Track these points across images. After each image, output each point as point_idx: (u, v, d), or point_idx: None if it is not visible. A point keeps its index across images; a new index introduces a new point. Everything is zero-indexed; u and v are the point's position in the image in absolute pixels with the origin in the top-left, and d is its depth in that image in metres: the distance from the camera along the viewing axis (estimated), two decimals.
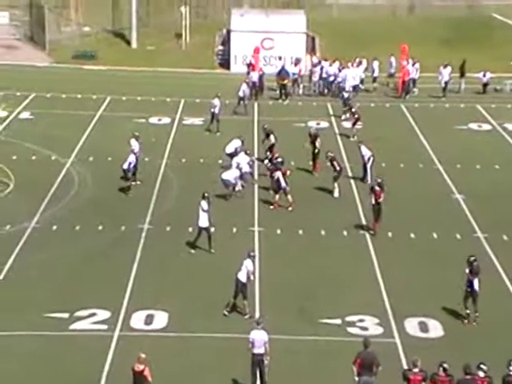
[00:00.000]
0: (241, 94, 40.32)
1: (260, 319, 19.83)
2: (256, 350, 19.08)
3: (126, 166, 30.70)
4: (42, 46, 52.83)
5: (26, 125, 38.93)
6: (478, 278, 22.34)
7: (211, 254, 26.30)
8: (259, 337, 19.10)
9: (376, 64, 45.60)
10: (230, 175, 30.45)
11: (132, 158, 30.88)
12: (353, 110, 38.25)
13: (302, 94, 44.62)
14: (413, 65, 44.84)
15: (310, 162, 33.52)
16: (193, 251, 26.39)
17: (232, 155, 32.22)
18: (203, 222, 26.18)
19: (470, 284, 22.37)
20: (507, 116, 41.18)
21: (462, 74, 45.61)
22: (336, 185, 30.90)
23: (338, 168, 30.90)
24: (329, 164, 31.29)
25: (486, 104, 43.34)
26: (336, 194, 30.84)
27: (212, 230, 26.56)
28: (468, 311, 22.41)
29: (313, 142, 33.30)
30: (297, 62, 45.47)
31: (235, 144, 32.73)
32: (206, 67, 50.30)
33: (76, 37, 54.23)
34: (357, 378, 18.43)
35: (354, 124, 37.97)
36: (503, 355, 20.45)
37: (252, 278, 22.88)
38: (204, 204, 26.22)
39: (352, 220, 28.91)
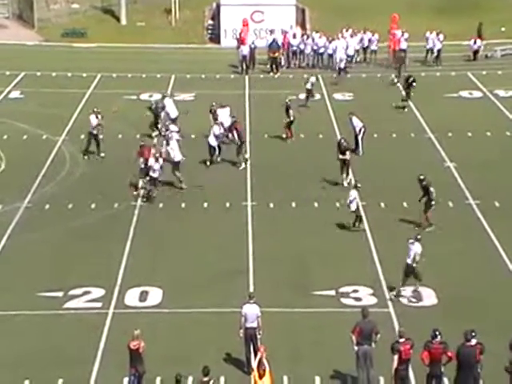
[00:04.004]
0: (309, 86, 38.32)
1: (252, 293, 19.87)
2: (249, 324, 19.12)
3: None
4: (30, 24, 52.56)
5: (17, 104, 38.82)
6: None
7: (204, 230, 26.32)
8: (251, 311, 19.14)
9: (367, 35, 45.44)
10: (211, 140, 31.00)
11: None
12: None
13: (297, 66, 44.59)
14: (402, 35, 44.73)
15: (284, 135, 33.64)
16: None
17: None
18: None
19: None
20: (498, 83, 41.10)
21: (480, 38, 45.58)
22: (344, 175, 29.46)
23: (348, 157, 29.28)
24: (337, 149, 29.58)
25: (476, 71, 43.27)
26: (346, 182, 29.33)
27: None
28: None
29: (286, 112, 33.42)
30: (295, 34, 45.39)
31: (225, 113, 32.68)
32: (196, 42, 50.14)
33: (65, 14, 53.92)
34: (356, 348, 18.47)
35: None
36: (496, 322, 20.64)
37: None
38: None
39: (345, 191, 28.86)
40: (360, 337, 18.38)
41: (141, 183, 28.52)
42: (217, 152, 31.38)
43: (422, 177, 26.50)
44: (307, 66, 44.91)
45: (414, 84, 37.56)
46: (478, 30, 45.98)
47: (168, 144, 29.86)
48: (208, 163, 31.19)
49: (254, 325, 19.15)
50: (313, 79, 38.29)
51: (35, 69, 43.93)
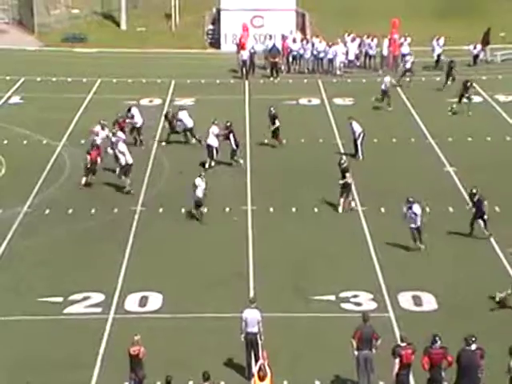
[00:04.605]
0: (383, 87, 38.03)
1: (254, 298, 19.85)
2: (249, 329, 19.08)
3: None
4: (30, 29, 52.61)
5: (17, 109, 38.88)
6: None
7: (204, 234, 26.33)
8: (252, 316, 19.10)
9: (368, 40, 45.50)
10: (212, 140, 31.21)
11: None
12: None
13: (297, 71, 44.67)
14: (404, 39, 44.81)
15: (266, 140, 33.57)
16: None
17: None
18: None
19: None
20: (498, 87, 41.09)
21: (487, 43, 45.63)
22: (342, 200, 27.83)
23: (349, 180, 27.78)
24: (341, 174, 27.95)
25: (476, 76, 43.26)
26: (341, 208, 27.83)
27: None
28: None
29: (273, 122, 33.10)
30: (295, 39, 45.47)
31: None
32: (196, 47, 50.14)
33: (65, 19, 53.95)
34: (356, 352, 18.47)
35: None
36: (496, 327, 20.61)
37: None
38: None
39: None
40: (360, 342, 18.37)
41: (84, 179, 29.83)
42: (215, 154, 31.39)
43: (474, 190, 25.87)
44: (307, 70, 44.98)
45: (473, 86, 37.37)
46: (486, 35, 45.84)
47: (116, 148, 29.97)
48: (207, 166, 31.12)
49: (255, 330, 19.10)
50: (387, 79, 38.25)
51: (35, 74, 43.97)
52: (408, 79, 41.64)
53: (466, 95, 37.37)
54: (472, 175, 30.47)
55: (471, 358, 17.53)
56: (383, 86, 38.17)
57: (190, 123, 33.52)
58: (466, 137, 34.66)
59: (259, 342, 19.18)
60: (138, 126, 33.60)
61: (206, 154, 31.33)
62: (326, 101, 39.83)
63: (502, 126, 36.34)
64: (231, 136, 31.26)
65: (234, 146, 31.33)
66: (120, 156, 29.58)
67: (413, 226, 25.04)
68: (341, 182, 27.61)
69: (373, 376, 18.49)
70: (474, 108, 38.33)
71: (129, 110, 33.80)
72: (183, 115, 33.64)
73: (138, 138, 33.55)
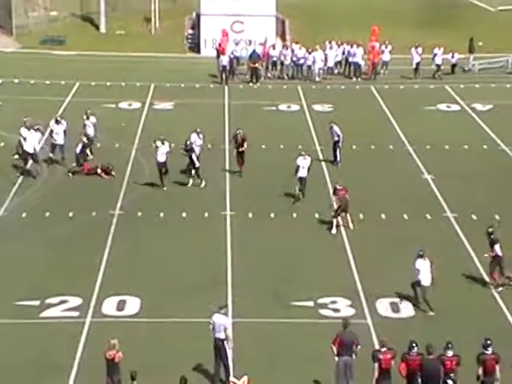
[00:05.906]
0: None
1: (223, 305, 19.79)
2: (216, 335, 18.98)
3: (78, 151, 31.13)
4: (8, 31, 52.33)
5: None
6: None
7: (183, 239, 26.30)
8: (218, 321, 18.97)
9: (348, 47, 45.66)
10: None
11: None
12: None
13: (277, 77, 44.63)
14: (385, 47, 45.02)
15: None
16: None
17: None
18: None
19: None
20: (475, 96, 41.37)
21: (471, 51, 46.00)
22: (335, 221, 27.08)
23: (336, 205, 27.16)
24: (332, 195, 27.77)
25: (454, 84, 43.58)
26: (334, 230, 26.92)
27: None
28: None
29: (241, 145, 31.20)
30: (274, 45, 45.55)
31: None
32: (175, 51, 50.09)
33: (44, 22, 53.72)
34: (336, 358, 18.49)
35: None
36: (473, 334, 20.70)
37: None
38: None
39: (323, 203, 28.95)
40: (341, 347, 18.40)
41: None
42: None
43: (490, 230, 23.55)
44: (287, 76, 45.04)
45: None
46: (470, 42, 46.25)
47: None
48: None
49: (222, 336, 18.96)
50: None
51: (13, 76, 43.73)
52: None
53: None
54: (449, 183, 30.70)
55: (433, 366, 17.62)
56: None
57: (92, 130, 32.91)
58: (444, 145, 34.86)
59: (227, 348, 19.02)
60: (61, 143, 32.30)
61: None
62: (305, 107, 39.93)
63: (479, 134, 36.57)
64: (193, 155, 30.15)
65: (197, 164, 30.14)
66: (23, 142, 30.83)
67: (420, 283, 22.30)
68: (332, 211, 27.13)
69: (352, 382, 18.52)
70: (452, 117, 38.68)
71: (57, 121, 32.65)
72: (94, 119, 33.13)
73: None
